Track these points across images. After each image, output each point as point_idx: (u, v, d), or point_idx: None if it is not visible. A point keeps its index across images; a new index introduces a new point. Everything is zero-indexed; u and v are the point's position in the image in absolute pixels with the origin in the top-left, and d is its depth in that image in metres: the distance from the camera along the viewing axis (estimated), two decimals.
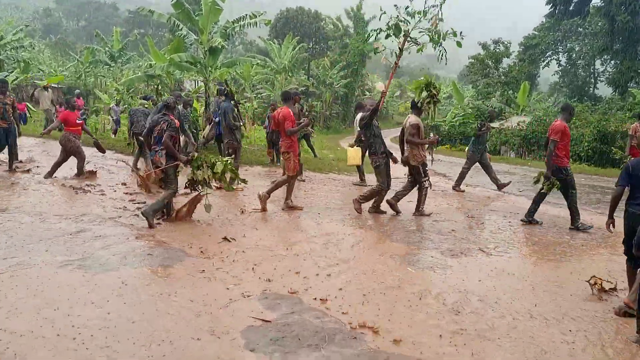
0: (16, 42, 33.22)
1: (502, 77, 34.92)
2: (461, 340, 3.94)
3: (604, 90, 48.83)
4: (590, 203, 10.72)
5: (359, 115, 11.64)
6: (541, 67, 50.55)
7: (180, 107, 14.19)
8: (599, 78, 49.93)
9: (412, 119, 8.54)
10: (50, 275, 4.87)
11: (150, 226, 6.86)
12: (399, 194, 8.63)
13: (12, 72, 34.07)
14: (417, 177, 8.55)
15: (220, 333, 3.86)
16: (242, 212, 8.06)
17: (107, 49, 39.49)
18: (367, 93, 56.65)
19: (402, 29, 8.32)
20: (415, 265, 5.79)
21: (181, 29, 16.33)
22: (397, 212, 8.53)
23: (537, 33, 48.98)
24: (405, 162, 8.63)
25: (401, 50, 8.49)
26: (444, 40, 8.42)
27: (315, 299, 4.58)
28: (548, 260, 6.31)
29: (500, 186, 11.70)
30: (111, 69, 40.13)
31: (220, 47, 15.93)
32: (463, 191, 11.52)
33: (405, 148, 8.61)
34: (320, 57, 52.89)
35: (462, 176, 11.66)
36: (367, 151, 8.10)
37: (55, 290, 4.50)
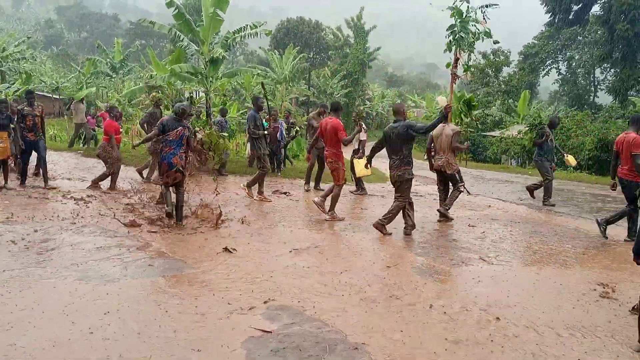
0: (18, 53, 33.45)
1: (502, 86, 35.01)
2: (464, 350, 3.93)
3: (604, 98, 48.97)
4: (592, 212, 10.70)
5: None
6: (541, 75, 50.78)
7: (219, 117, 14.56)
8: (599, 86, 50.10)
9: (452, 126, 8.93)
10: (50, 286, 4.86)
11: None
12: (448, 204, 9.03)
13: (14, 83, 34.25)
14: (454, 182, 8.94)
15: (220, 344, 3.84)
16: (242, 222, 8.05)
17: (108, 60, 39.69)
18: (367, 102, 56.81)
19: (467, 40, 8.97)
20: (417, 274, 5.77)
21: (182, 39, 16.40)
22: (450, 219, 8.95)
23: (536, 42, 49.21)
24: (436, 170, 8.98)
25: (457, 60, 9.03)
26: (477, 40, 9.22)
27: (315, 308, 4.57)
28: (549, 269, 6.29)
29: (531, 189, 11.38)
30: (112, 79, 40.32)
31: (221, 57, 15.99)
32: (554, 205, 11.09)
33: (439, 156, 8.86)
34: (320, 67, 53.12)
35: (547, 191, 11.09)
36: (400, 162, 7.54)
37: (55, 302, 4.49)
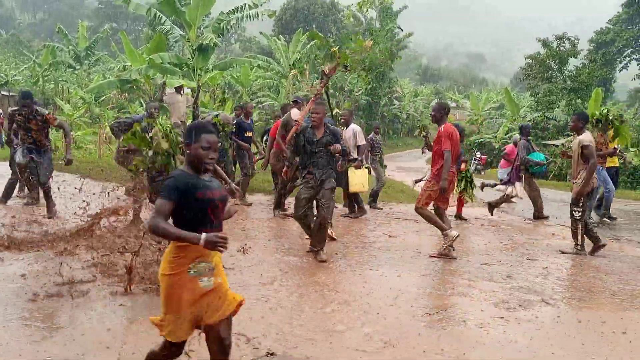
0: None
1: (568, 82, 34.68)
2: None
3: None
4: None
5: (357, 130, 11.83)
6: (618, 69, 50.36)
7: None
8: None
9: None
10: None
11: None
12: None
13: None
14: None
15: None
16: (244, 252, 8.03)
17: (71, 47, 40.12)
18: (396, 102, 56.86)
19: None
20: (467, 326, 5.73)
21: (164, 22, 16.52)
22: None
23: (612, 27, 48.90)
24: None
25: (328, 75, 9.32)
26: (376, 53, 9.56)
27: None
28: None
29: None
30: (76, 72, 40.71)
31: (212, 44, 16.07)
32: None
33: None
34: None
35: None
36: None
37: None
